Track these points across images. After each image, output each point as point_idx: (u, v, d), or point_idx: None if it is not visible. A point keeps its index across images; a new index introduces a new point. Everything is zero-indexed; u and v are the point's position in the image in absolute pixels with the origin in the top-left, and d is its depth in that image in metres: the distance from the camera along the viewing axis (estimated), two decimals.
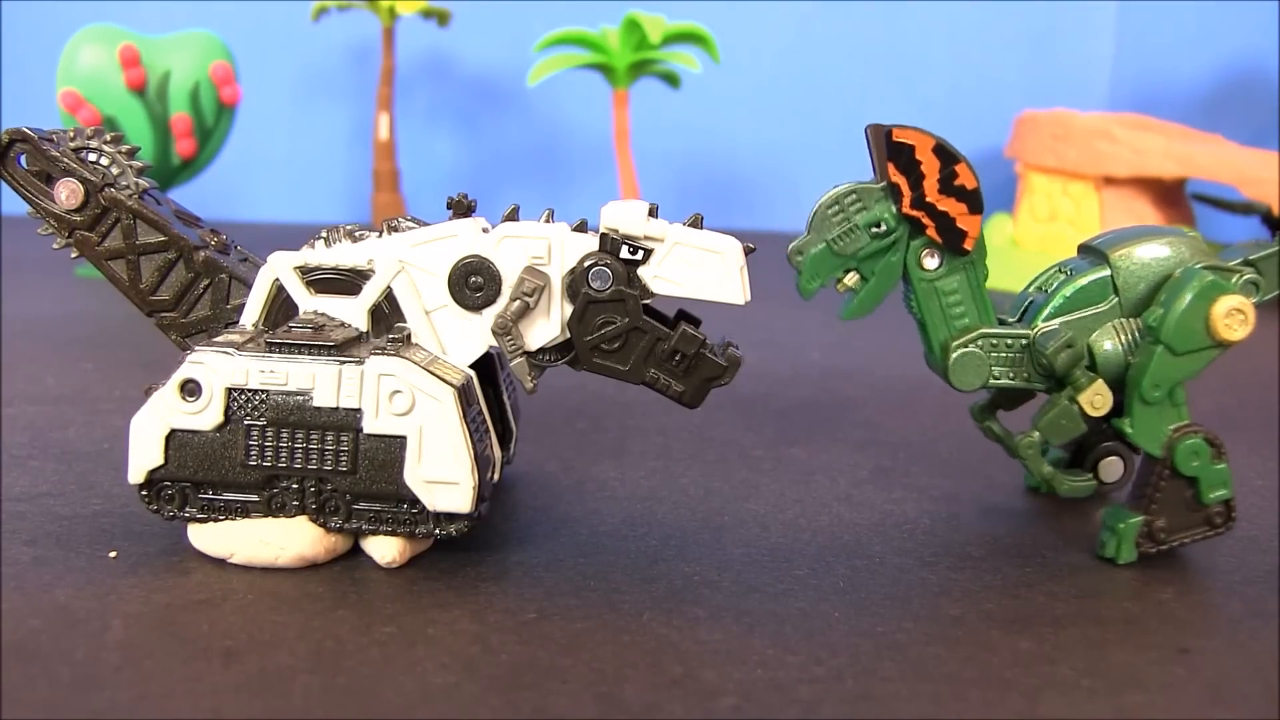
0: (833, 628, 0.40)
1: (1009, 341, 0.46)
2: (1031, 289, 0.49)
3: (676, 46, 1.38)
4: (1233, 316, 0.44)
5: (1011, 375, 0.46)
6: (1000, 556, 0.47)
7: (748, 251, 0.44)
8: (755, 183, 1.78)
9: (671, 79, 1.43)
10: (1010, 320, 0.48)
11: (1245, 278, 0.45)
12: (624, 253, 0.43)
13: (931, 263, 0.45)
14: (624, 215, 0.43)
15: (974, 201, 0.44)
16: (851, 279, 0.45)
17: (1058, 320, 0.46)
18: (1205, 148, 1.27)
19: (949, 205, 0.44)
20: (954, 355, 0.46)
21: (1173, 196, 1.32)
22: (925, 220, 0.44)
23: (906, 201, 0.44)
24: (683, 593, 0.42)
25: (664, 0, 1.47)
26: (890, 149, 0.44)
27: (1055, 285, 0.47)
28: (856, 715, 0.34)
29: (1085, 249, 0.49)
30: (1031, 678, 0.37)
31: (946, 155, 0.44)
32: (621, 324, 0.43)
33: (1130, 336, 0.46)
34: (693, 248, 0.43)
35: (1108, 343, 0.46)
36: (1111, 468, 0.53)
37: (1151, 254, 0.46)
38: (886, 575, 0.45)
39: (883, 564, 0.46)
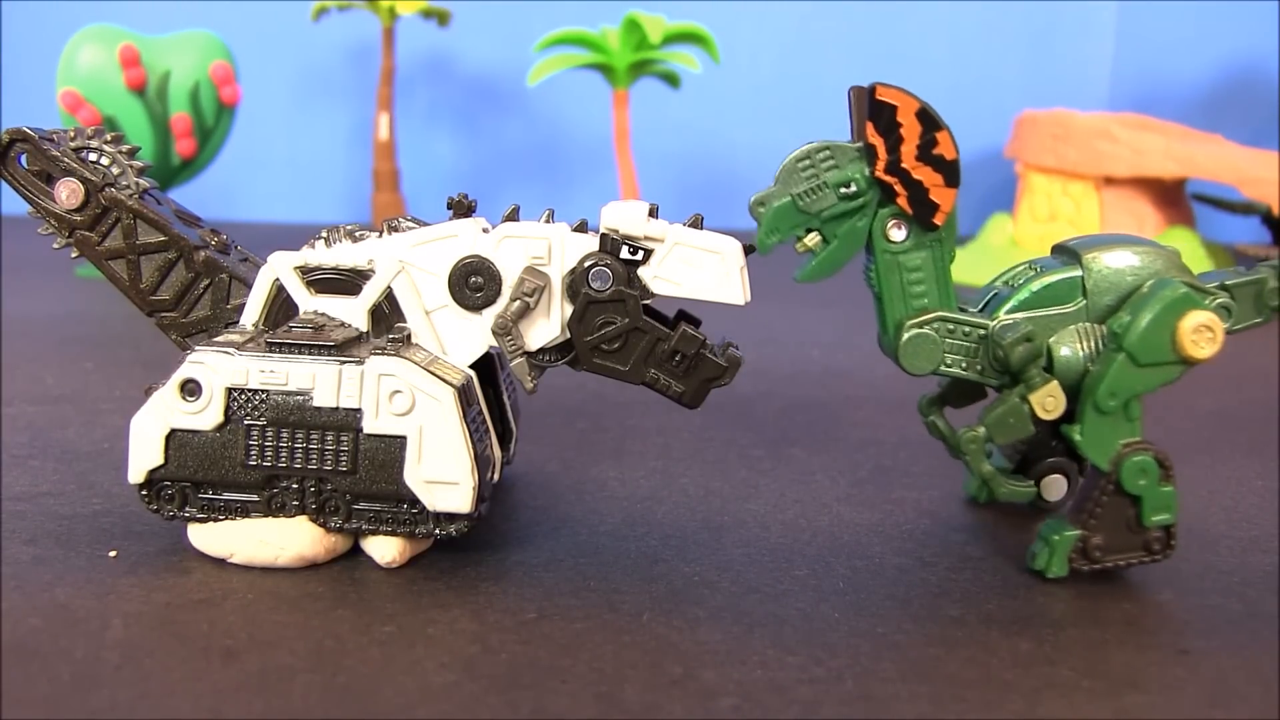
0: (832, 628, 0.40)
1: (966, 330, 0.44)
2: (998, 282, 0.47)
3: (676, 46, 1.38)
4: (1200, 333, 0.42)
5: (965, 366, 0.44)
6: (1000, 557, 0.47)
7: (748, 251, 0.44)
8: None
9: (671, 79, 1.44)
10: (972, 311, 0.46)
11: (1218, 301, 0.44)
12: (624, 253, 0.43)
13: (898, 234, 0.43)
14: (624, 215, 0.43)
15: (951, 173, 0.42)
16: (813, 239, 0.43)
17: (1020, 315, 0.44)
18: (1205, 148, 1.27)
19: (925, 174, 0.42)
20: (906, 335, 0.44)
21: (1173, 196, 1.32)
22: (898, 187, 0.42)
23: (881, 165, 0.42)
24: (683, 593, 0.42)
25: (664, 0, 1.47)
26: (872, 108, 0.42)
27: (1022, 280, 0.45)
28: (856, 716, 0.34)
29: (1059, 249, 0.47)
30: (1031, 679, 0.37)
31: (929, 121, 0.42)
32: (621, 324, 0.43)
33: (1094, 342, 0.44)
34: (693, 248, 0.43)
35: (1068, 346, 0.44)
36: (1054, 485, 0.51)
37: (1126, 261, 0.44)
38: (886, 576, 0.45)
39: (882, 565, 0.46)
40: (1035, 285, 0.44)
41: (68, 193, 0.46)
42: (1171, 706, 0.35)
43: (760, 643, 0.38)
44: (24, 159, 0.46)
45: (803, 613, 0.41)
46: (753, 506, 0.52)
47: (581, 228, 0.44)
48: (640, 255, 0.43)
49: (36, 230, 0.47)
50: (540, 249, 0.43)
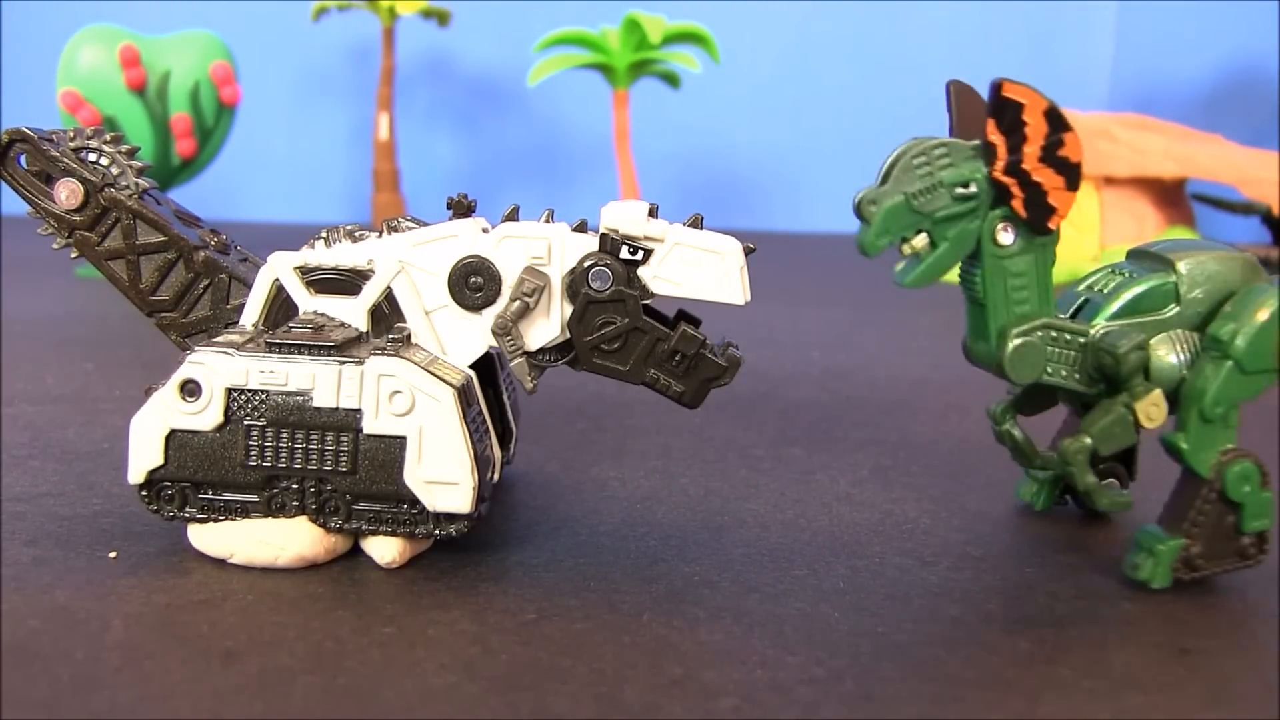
0: (833, 628, 0.40)
1: (1068, 337, 0.43)
2: (1082, 288, 0.46)
3: (676, 46, 1.38)
4: None
5: (1065, 374, 0.43)
6: (1000, 557, 0.47)
7: (748, 252, 0.44)
8: (755, 183, 1.78)
9: (671, 79, 1.44)
10: (1063, 318, 0.44)
11: None
12: (624, 253, 0.43)
13: (1006, 238, 0.42)
14: (624, 215, 0.43)
15: (1073, 177, 0.41)
16: (920, 241, 0.41)
17: (1121, 323, 0.43)
18: (1205, 148, 1.27)
19: (1045, 176, 0.41)
20: (1013, 343, 0.42)
21: (1173, 196, 1.32)
22: (1015, 189, 0.41)
23: (1000, 165, 0.41)
24: (683, 593, 0.42)
25: (664, 0, 1.47)
26: (995, 104, 0.40)
27: (1113, 286, 0.45)
28: (856, 716, 0.34)
29: (1140, 254, 0.47)
30: (1031, 678, 0.37)
31: (1058, 121, 0.41)
32: (621, 324, 0.43)
33: (1189, 349, 0.43)
34: (693, 248, 0.43)
35: (1165, 353, 0.43)
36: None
37: (1217, 268, 0.44)
38: (886, 575, 0.45)
39: (882, 564, 0.46)
40: (1129, 292, 0.44)
41: (67, 193, 0.46)
42: (1171, 706, 0.35)
43: (760, 643, 0.38)
44: (23, 159, 0.46)
45: (803, 613, 0.41)
46: (753, 506, 0.52)
47: (581, 228, 0.44)
48: (640, 255, 0.43)
49: (36, 230, 0.47)
50: (540, 249, 0.43)
